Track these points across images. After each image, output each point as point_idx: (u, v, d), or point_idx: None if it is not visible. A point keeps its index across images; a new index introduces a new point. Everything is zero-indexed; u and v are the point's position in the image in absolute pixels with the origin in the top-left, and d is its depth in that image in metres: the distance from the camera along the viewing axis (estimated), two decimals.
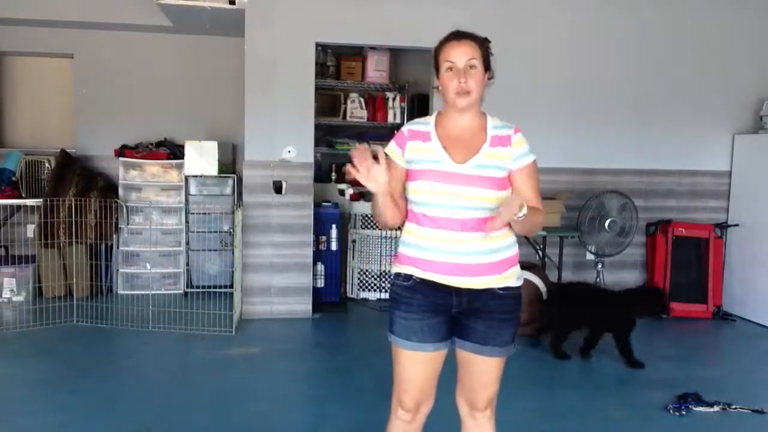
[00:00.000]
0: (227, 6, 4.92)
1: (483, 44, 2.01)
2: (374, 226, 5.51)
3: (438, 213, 1.96)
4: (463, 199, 1.95)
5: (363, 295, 5.60)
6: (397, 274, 2.06)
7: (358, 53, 5.81)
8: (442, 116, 2.08)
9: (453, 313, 2.01)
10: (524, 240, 5.10)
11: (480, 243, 1.97)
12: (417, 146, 2.02)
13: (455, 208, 1.95)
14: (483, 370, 2.04)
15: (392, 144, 2.07)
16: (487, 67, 2.01)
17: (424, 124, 2.07)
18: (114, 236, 5.65)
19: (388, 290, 2.10)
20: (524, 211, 1.85)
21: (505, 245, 2.03)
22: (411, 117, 6.06)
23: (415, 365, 2.04)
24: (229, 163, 6.03)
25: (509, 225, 1.98)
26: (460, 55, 1.95)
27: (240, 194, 5.26)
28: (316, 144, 5.21)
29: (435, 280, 1.98)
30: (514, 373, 3.95)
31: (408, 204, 2.06)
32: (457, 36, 1.99)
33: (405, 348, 2.02)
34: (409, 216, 2.06)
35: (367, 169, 1.84)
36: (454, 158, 1.97)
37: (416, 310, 1.99)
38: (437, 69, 2.02)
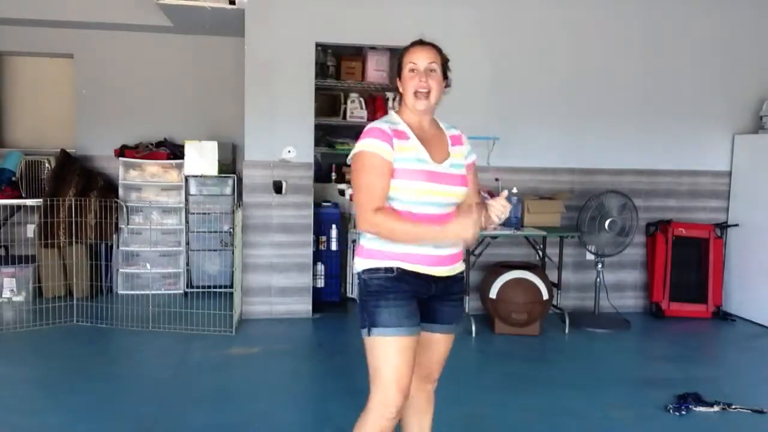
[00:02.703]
0: (227, 6, 4.92)
1: (444, 54, 2.17)
2: None
3: (423, 210, 2.07)
4: (444, 197, 2.10)
5: None
6: (377, 269, 2.08)
7: (358, 53, 5.81)
8: (405, 117, 2.14)
9: (425, 299, 2.14)
10: (524, 240, 5.10)
11: None
12: (401, 145, 2.05)
13: (437, 206, 2.09)
14: (445, 347, 2.25)
15: (376, 142, 2.03)
16: (444, 75, 2.16)
17: (396, 123, 2.11)
18: (114, 236, 5.65)
19: (364, 286, 2.09)
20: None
21: None
22: None
23: (406, 351, 2.05)
24: (229, 163, 6.03)
25: None
26: (423, 58, 2.11)
27: (240, 194, 5.26)
28: (316, 144, 5.21)
29: (418, 271, 2.08)
30: (515, 373, 3.99)
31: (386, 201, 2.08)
32: (421, 42, 2.17)
33: (397, 335, 2.03)
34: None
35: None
36: (434, 158, 2.10)
37: (403, 296, 2.07)
38: (400, 73, 2.15)
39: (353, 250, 5.58)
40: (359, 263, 2.13)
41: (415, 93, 2.09)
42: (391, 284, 2.06)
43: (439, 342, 2.22)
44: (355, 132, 5.98)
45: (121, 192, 5.76)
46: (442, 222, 2.04)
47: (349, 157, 2.11)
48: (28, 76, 6.39)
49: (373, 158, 2.02)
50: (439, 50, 2.15)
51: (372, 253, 2.10)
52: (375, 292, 2.07)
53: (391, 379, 2.04)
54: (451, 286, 2.18)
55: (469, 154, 2.23)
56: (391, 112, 2.19)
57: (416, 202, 2.05)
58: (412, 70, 2.10)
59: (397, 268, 2.06)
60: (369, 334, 2.07)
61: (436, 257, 2.09)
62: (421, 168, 2.05)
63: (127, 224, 5.71)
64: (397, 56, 2.19)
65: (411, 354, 2.07)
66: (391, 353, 2.04)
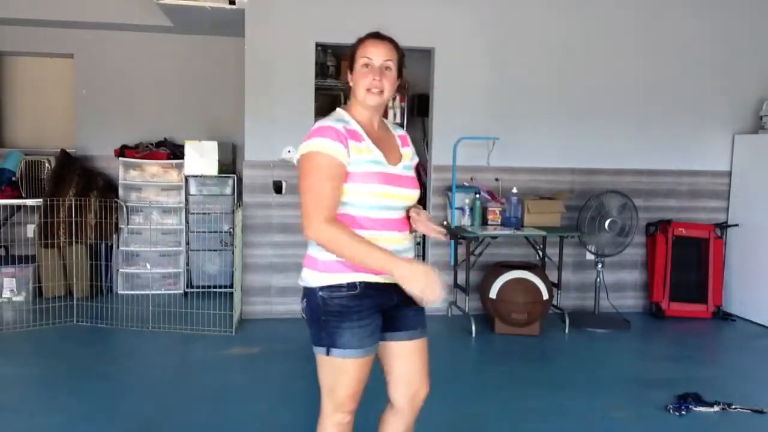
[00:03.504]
0: (227, 6, 4.92)
1: (400, 50, 2.04)
2: None
3: (381, 215, 1.95)
4: (400, 200, 2.01)
5: None
6: (338, 286, 1.92)
7: None
8: (355, 115, 2.02)
9: (387, 308, 2.02)
10: (524, 240, 5.10)
11: (409, 240, 2.07)
12: (356, 146, 1.92)
13: (392, 209, 1.99)
14: (420, 355, 2.11)
15: (329, 143, 1.87)
16: (399, 73, 2.05)
17: (348, 122, 1.97)
18: (114, 236, 5.65)
19: (322, 304, 1.93)
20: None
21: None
22: (411, 117, 6.07)
23: (364, 368, 1.98)
24: (229, 163, 6.03)
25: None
26: (379, 54, 1.98)
27: (240, 194, 5.26)
28: None
29: (381, 281, 1.94)
30: (515, 373, 3.99)
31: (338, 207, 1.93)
32: (378, 36, 2.03)
33: (358, 356, 1.94)
34: (345, 220, 1.92)
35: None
36: (389, 160, 2.00)
37: (367, 315, 1.94)
38: (352, 66, 2.01)
39: None
40: (314, 278, 1.94)
41: (368, 90, 1.96)
42: (353, 305, 1.91)
43: (412, 351, 2.09)
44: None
45: (121, 192, 5.76)
46: (397, 229, 1.97)
47: (297, 156, 1.97)
48: (28, 76, 6.39)
49: (327, 160, 1.86)
50: (395, 46, 2.02)
51: (330, 266, 1.92)
52: (337, 313, 1.91)
53: (346, 395, 1.98)
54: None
55: (414, 156, 2.15)
56: (339, 110, 2.04)
57: (373, 207, 1.93)
58: (366, 65, 1.96)
59: (360, 283, 1.91)
60: (327, 354, 1.94)
61: None
62: (377, 170, 1.93)
63: (127, 224, 5.71)
64: (350, 48, 2.05)
65: (367, 368, 2.00)
66: (350, 373, 1.95)
